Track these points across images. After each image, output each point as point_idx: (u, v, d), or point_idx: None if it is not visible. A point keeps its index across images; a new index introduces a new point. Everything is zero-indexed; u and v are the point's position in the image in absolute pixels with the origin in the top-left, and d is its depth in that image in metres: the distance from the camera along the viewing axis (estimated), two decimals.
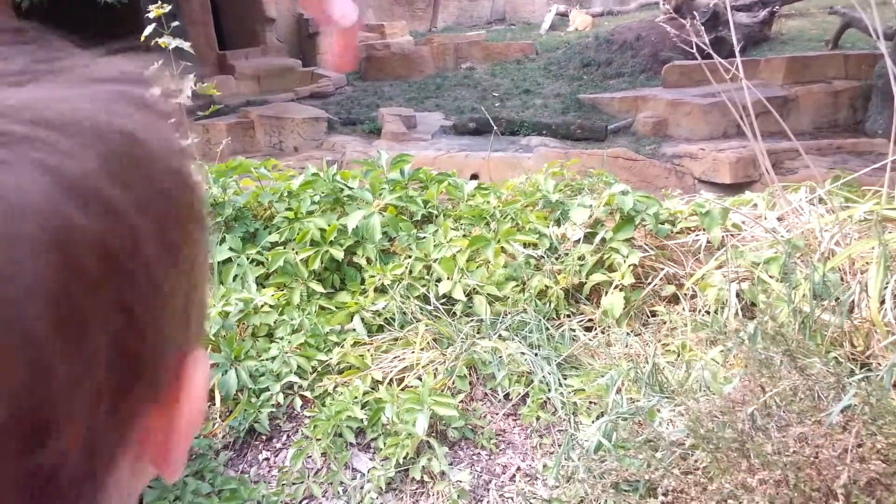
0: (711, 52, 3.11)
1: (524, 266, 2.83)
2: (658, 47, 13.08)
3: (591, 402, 2.33)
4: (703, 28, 3.41)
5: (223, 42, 15.47)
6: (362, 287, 2.92)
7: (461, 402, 2.38)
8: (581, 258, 2.80)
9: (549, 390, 2.39)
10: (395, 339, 2.70)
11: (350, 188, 3.21)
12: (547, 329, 2.64)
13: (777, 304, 2.27)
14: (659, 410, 2.00)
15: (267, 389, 2.45)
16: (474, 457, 2.24)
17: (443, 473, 2.13)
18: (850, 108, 9.91)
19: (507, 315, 2.71)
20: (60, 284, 0.24)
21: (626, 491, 1.78)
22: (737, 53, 3.20)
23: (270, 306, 2.75)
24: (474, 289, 2.79)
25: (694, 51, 3.20)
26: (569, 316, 2.77)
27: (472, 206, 3.17)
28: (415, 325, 2.70)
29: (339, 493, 2.12)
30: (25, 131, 0.25)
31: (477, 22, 20.99)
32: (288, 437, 2.37)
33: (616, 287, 2.71)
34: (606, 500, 1.74)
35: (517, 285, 2.83)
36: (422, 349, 2.58)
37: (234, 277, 2.94)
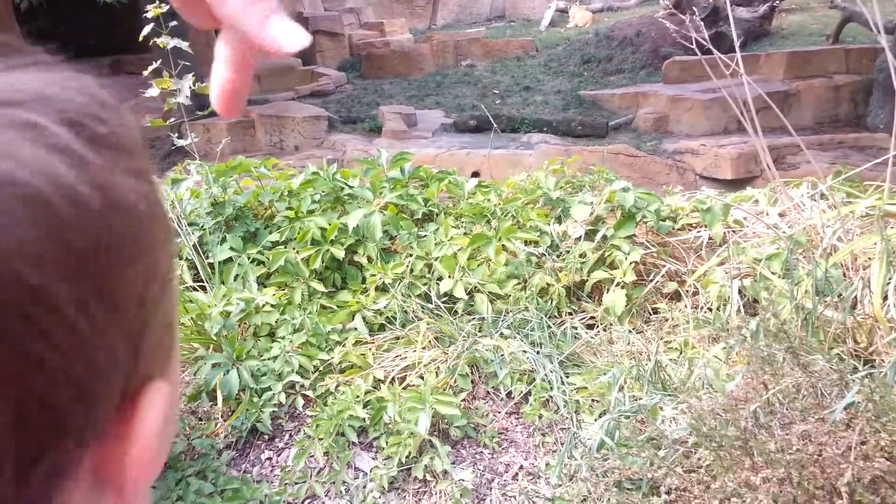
0: (711, 47, 3.10)
1: (525, 264, 2.83)
2: (658, 43, 13.06)
3: (593, 400, 2.33)
4: (702, 23, 3.40)
5: None
6: (363, 286, 2.91)
7: (463, 400, 2.37)
8: (582, 256, 2.79)
9: (552, 388, 2.39)
10: (397, 338, 2.70)
11: (350, 187, 3.21)
12: (549, 327, 2.63)
13: (779, 300, 2.27)
14: (661, 408, 2.00)
15: (269, 389, 2.45)
16: (477, 455, 2.24)
17: (445, 472, 2.13)
18: (851, 102, 9.89)
19: (508, 313, 2.70)
20: None
21: (629, 489, 1.78)
22: (737, 49, 3.19)
23: (272, 306, 2.75)
24: (475, 287, 2.79)
25: (694, 46, 3.18)
26: (570, 314, 2.77)
27: (473, 204, 3.16)
28: (416, 323, 2.69)
29: (341, 492, 2.11)
30: None
31: (476, 19, 20.96)
32: (290, 436, 2.37)
33: (618, 284, 2.71)
34: (609, 499, 1.74)
35: (518, 283, 2.83)
36: (423, 348, 2.58)
37: (236, 277, 2.93)
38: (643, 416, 2.00)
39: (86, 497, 0.29)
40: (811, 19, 14.55)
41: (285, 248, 2.98)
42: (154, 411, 0.32)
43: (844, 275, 2.36)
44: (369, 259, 2.95)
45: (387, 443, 2.23)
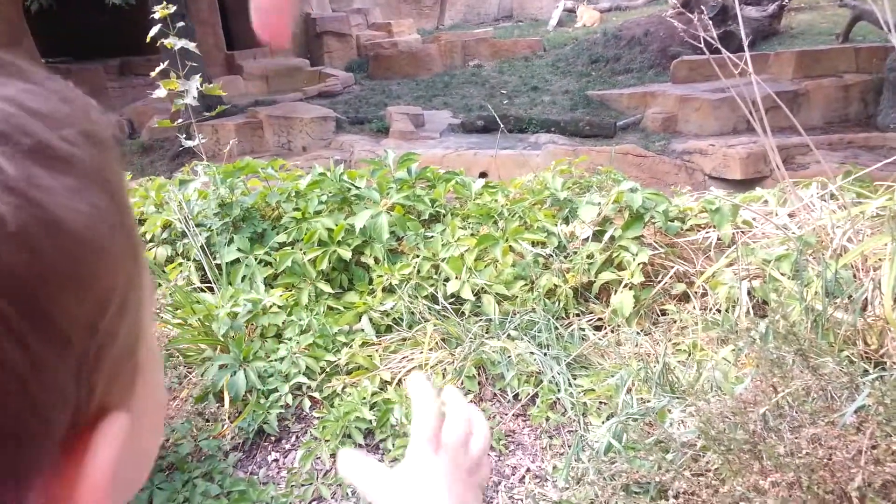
0: (720, 46, 3.08)
1: (533, 265, 2.82)
2: (667, 42, 13.01)
3: (601, 403, 2.32)
4: (711, 23, 3.38)
5: (231, 42, 15.52)
6: (370, 287, 2.91)
7: (470, 402, 2.36)
8: (590, 257, 2.78)
9: (559, 390, 2.37)
10: (404, 340, 2.69)
11: (357, 188, 3.20)
12: (556, 328, 2.62)
13: (789, 302, 2.25)
14: (670, 411, 1.98)
15: (276, 390, 2.45)
16: None
17: None
18: (861, 102, 9.82)
19: (515, 314, 2.69)
20: None
21: (636, 493, 1.77)
22: (745, 48, 3.17)
23: (279, 307, 2.75)
24: (482, 288, 2.78)
25: (702, 46, 3.16)
26: (578, 315, 2.76)
27: (480, 204, 3.15)
28: (423, 325, 2.69)
29: (347, 494, 2.11)
30: None
31: (484, 19, 20.96)
32: (297, 438, 2.37)
33: (625, 286, 2.69)
34: (617, 503, 1.73)
35: (525, 284, 2.82)
36: (430, 349, 2.58)
37: (243, 278, 2.94)
38: (651, 418, 1.99)
39: None
40: (821, 18, 14.47)
41: (292, 248, 2.99)
42: (108, 447, 0.30)
43: (855, 276, 2.34)
44: (376, 260, 2.94)
45: (393, 445, 2.22)
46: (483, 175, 8.28)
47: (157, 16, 3.24)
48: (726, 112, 9.55)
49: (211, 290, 2.95)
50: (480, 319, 2.71)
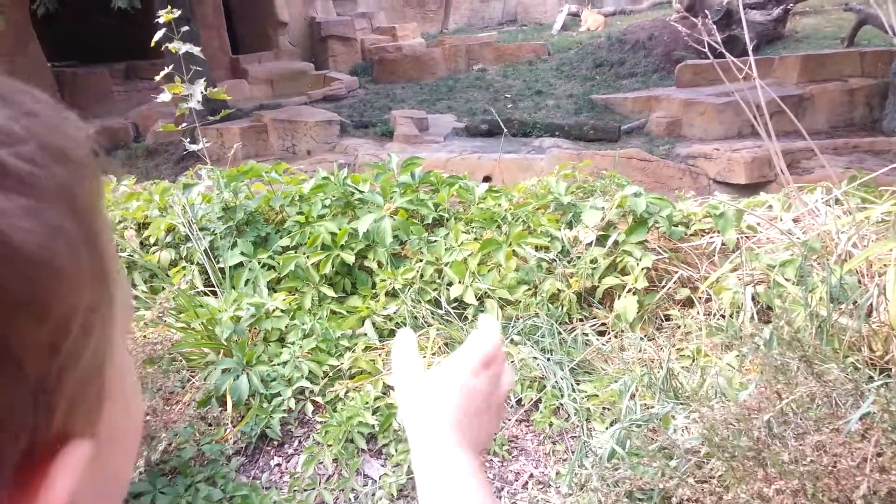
0: (724, 50, 3.07)
1: (536, 269, 2.81)
2: (671, 46, 13.01)
3: (604, 408, 2.31)
4: (715, 27, 3.37)
5: (236, 46, 15.58)
6: (373, 291, 2.91)
7: None
8: (593, 261, 2.77)
9: (562, 396, 2.37)
10: None
11: (361, 192, 3.20)
12: (559, 333, 2.61)
13: (793, 307, 2.24)
14: (673, 417, 1.98)
15: (278, 395, 2.44)
16: (486, 463, 2.22)
17: None
18: (866, 106, 9.80)
19: (518, 319, 2.69)
20: None
21: (640, 500, 1.76)
22: (749, 52, 3.16)
23: (282, 311, 2.75)
24: (486, 293, 2.78)
25: (706, 50, 3.16)
26: (581, 320, 2.75)
27: (484, 209, 3.15)
28: (426, 329, 2.68)
29: (350, 499, 2.10)
30: None
31: (488, 23, 20.98)
32: (300, 442, 2.37)
33: (629, 290, 2.69)
34: None
35: (529, 289, 2.81)
36: (433, 354, 2.57)
37: (246, 282, 2.94)
38: (655, 424, 1.98)
39: None
40: (825, 22, 14.45)
41: (296, 252, 2.99)
42: (67, 476, 0.28)
43: (859, 282, 2.33)
44: (379, 264, 2.94)
45: (396, 450, 2.22)
46: (487, 179, 8.28)
47: (161, 20, 3.25)
48: (731, 116, 9.54)
49: (214, 293, 2.95)
50: None
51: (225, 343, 2.58)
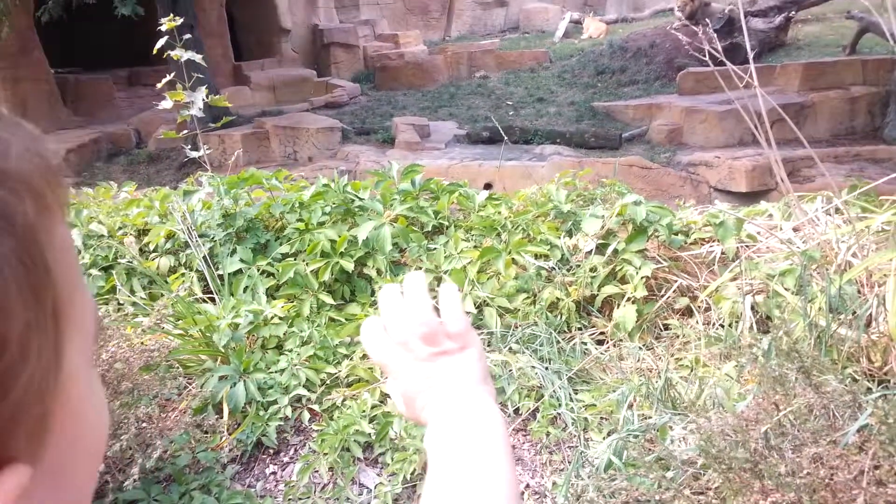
0: (724, 58, 3.07)
1: (535, 278, 2.81)
2: (673, 54, 13.03)
3: (602, 418, 2.30)
4: (717, 35, 3.37)
5: (239, 53, 15.63)
6: (372, 299, 2.90)
7: None
8: (593, 270, 2.77)
9: (560, 405, 2.36)
10: None
11: (361, 199, 3.20)
12: (558, 342, 2.61)
13: (792, 317, 2.23)
14: (671, 428, 1.97)
15: (275, 402, 2.44)
16: None
17: None
18: (867, 114, 9.80)
19: (517, 328, 2.68)
20: None
21: None
22: (751, 60, 3.16)
23: (280, 318, 2.75)
24: (485, 301, 2.77)
25: (707, 59, 3.16)
26: (580, 329, 2.74)
27: (484, 216, 3.15)
28: None
29: None
30: None
31: (490, 31, 21.03)
32: (295, 450, 2.36)
33: (628, 299, 2.68)
34: None
35: (528, 297, 2.80)
36: None
37: (245, 289, 2.94)
38: (652, 435, 1.97)
39: None
40: (827, 30, 14.46)
41: (295, 260, 2.98)
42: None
43: (859, 292, 2.32)
44: (379, 272, 2.94)
45: (392, 459, 2.21)
46: (488, 186, 8.29)
47: (164, 27, 3.26)
48: (732, 124, 9.55)
49: (213, 300, 2.95)
50: (482, 332, 2.70)
51: (222, 350, 2.57)
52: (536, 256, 2.87)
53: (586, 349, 2.62)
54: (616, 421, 2.16)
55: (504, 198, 3.35)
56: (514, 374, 2.46)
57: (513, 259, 2.88)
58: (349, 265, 2.87)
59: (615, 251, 2.79)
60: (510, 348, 2.59)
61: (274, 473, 2.27)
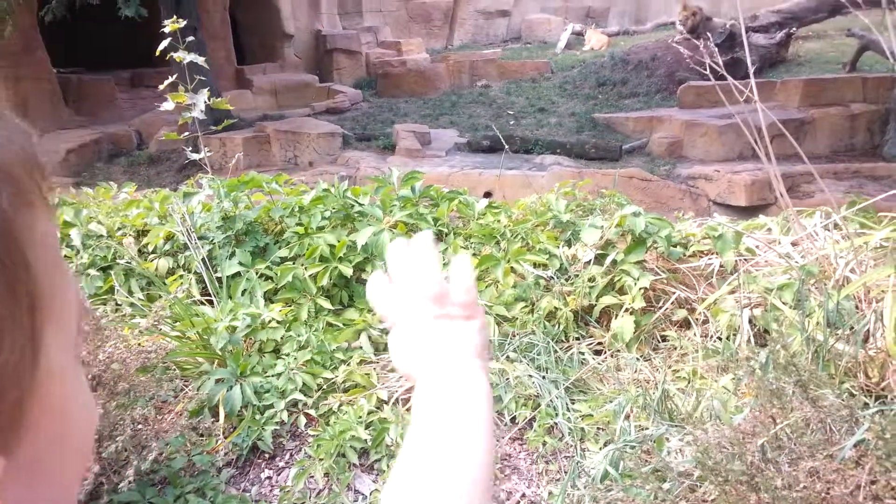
0: (725, 73, 3.09)
1: (533, 287, 2.81)
2: (674, 67, 13.09)
3: (598, 429, 2.29)
4: (718, 49, 3.39)
5: (242, 57, 15.67)
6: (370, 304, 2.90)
7: None
8: (591, 280, 2.77)
9: (557, 415, 2.35)
10: None
11: (360, 204, 3.21)
12: (555, 351, 2.61)
13: (790, 331, 2.23)
14: (668, 439, 1.96)
15: (271, 406, 2.43)
16: None
17: None
18: (867, 131, 9.85)
19: (515, 336, 2.68)
20: None
21: None
22: (751, 75, 3.18)
23: (278, 322, 2.74)
24: (483, 309, 2.77)
25: (708, 73, 3.18)
26: (578, 339, 2.74)
27: (483, 224, 3.15)
28: None
29: None
30: None
31: (493, 40, 21.11)
32: (291, 455, 2.35)
33: (626, 310, 2.68)
34: None
35: (526, 306, 2.80)
36: None
37: (243, 292, 2.93)
38: (649, 446, 1.97)
39: None
40: (828, 47, 14.54)
41: (294, 264, 2.98)
42: None
43: (857, 307, 2.33)
44: None
45: (388, 465, 2.20)
46: (487, 195, 8.30)
47: (167, 29, 3.27)
48: (732, 138, 9.58)
49: (211, 303, 2.94)
50: None
51: (219, 353, 2.57)
52: (535, 265, 2.88)
53: (584, 359, 2.62)
54: (613, 431, 2.16)
55: (503, 206, 3.35)
56: (512, 382, 2.46)
57: (511, 268, 2.88)
58: (348, 270, 2.87)
59: (614, 262, 2.79)
60: (508, 357, 2.59)
61: (269, 478, 2.26)
